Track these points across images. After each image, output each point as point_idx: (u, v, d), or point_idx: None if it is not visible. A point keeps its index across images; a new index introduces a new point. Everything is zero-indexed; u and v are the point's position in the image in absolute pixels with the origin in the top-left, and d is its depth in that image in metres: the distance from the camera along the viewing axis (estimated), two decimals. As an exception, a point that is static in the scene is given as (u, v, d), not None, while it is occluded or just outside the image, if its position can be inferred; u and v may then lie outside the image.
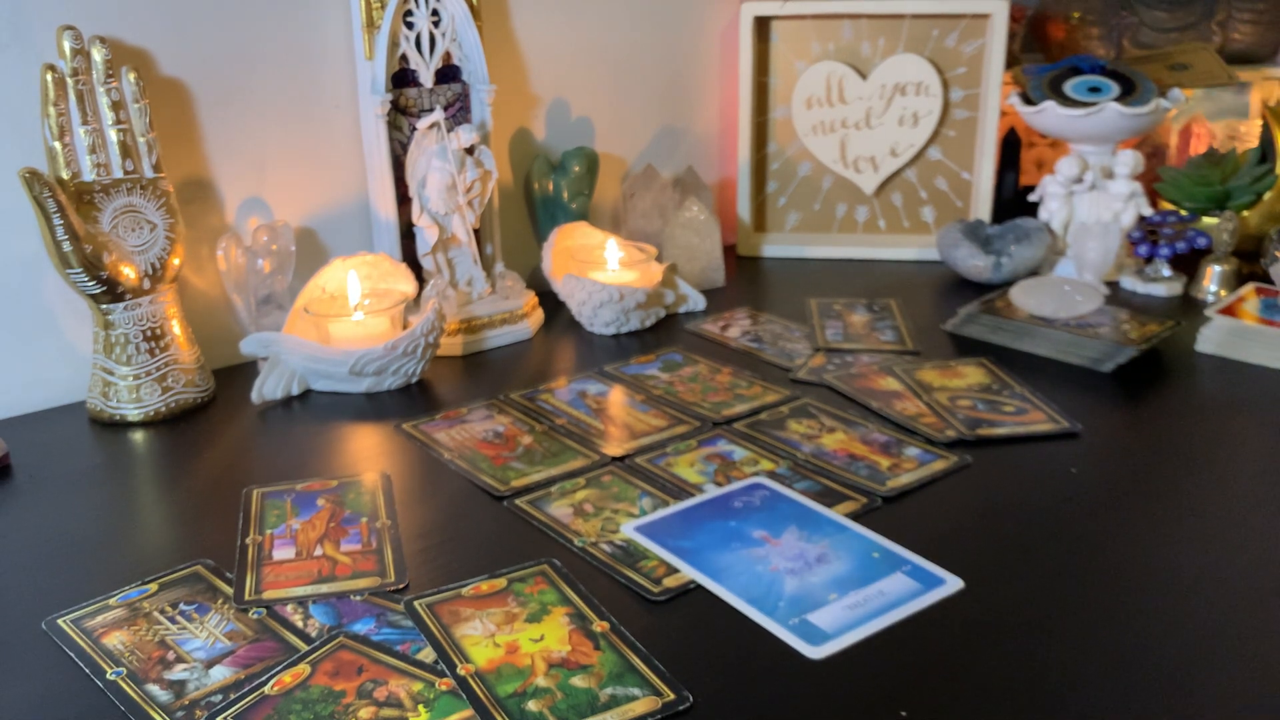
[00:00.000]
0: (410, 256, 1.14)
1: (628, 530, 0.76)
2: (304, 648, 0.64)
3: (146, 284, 0.96)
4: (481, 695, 0.59)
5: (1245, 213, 1.30)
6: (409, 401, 1.00)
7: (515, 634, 0.64)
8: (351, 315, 1.04)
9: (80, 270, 0.90)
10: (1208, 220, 1.28)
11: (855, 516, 0.78)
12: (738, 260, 1.44)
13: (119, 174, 0.95)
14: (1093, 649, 0.63)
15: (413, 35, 1.10)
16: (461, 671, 0.61)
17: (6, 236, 0.96)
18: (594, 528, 0.77)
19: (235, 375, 1.06)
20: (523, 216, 1.32)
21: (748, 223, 1.46)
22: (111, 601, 0.69)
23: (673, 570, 0.71)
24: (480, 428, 0.94)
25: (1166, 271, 1.26)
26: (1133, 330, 1.08)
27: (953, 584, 0.69)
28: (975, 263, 1.29)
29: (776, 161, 1.46)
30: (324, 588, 0.70)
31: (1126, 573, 0.71)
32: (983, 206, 1.41)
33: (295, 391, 1.02)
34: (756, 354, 1.10)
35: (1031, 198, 1.36)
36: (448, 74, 1.15)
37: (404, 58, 1.11)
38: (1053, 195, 1.32)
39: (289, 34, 1.08)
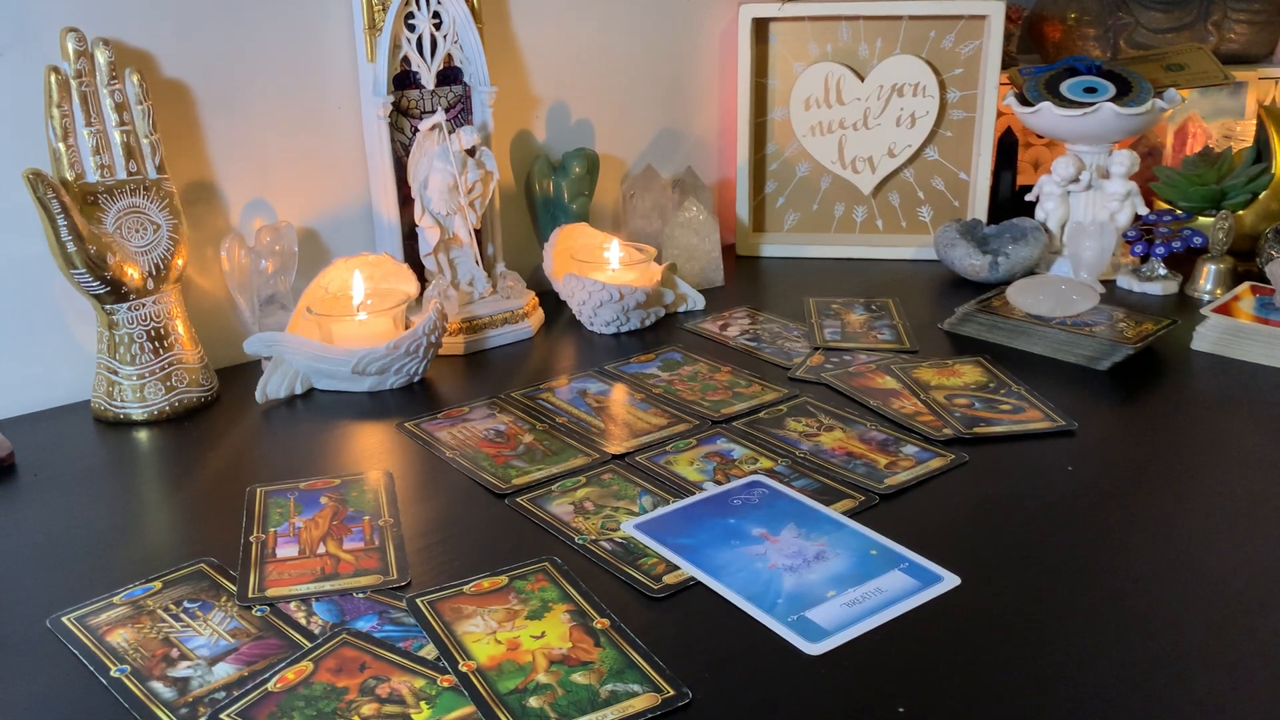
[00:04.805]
0: (412, 257, 1.14)
1: (628, 528, 0.77)
2: (307, 645, 0.64)
3: (150, 284, 0.96)
4: (483, 692, 0.60)
5: (1240, 212, 1.31)
6: (411, 400, 1.01)
7: (516, 631, 0.65)
8: (354, 315, 1.04)
9: (84, 271, 0.91)
10: (1203, 219, 1.29)
11: (853, 514, 0.78)
12: (737, 260, 1.45)
13: (123, 175, 0.95)
14: (1089, 645, 0.63)
15: (414, 37, 1.11)
16: (463, 668, 0.62)
17: (11, 237, 0.97)
18: (594, 525, 0.78)
19: (239, 375, 1.06)
20: (524, 217, 1.32)
21: (746, 223, 1.46)
22: (115, 599, 0.69)
23: (672, 567, 0.72)
24: (482, 426, 0.94)
25: (1162, 270, 1.27)
26: (1128, 329, 1.09)
27: (950, 581, 0.70)
28: (972, 262, 1.29)
29: (775, 162, 1.46)
30: (327, 585, 0.71)
31: (1123, 570, 0.72)
32: (980, 206, 1.42)
33: (298, 391, 1.02)
34: (755, 353, 1.10)
35: (1028, 197, 1.36)
36: (449, 76, 1.15)
37: (405, 60, 1.11)
38: (1049, 195, 1.33)
39: (291, 36, 1.08)
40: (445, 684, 0.61)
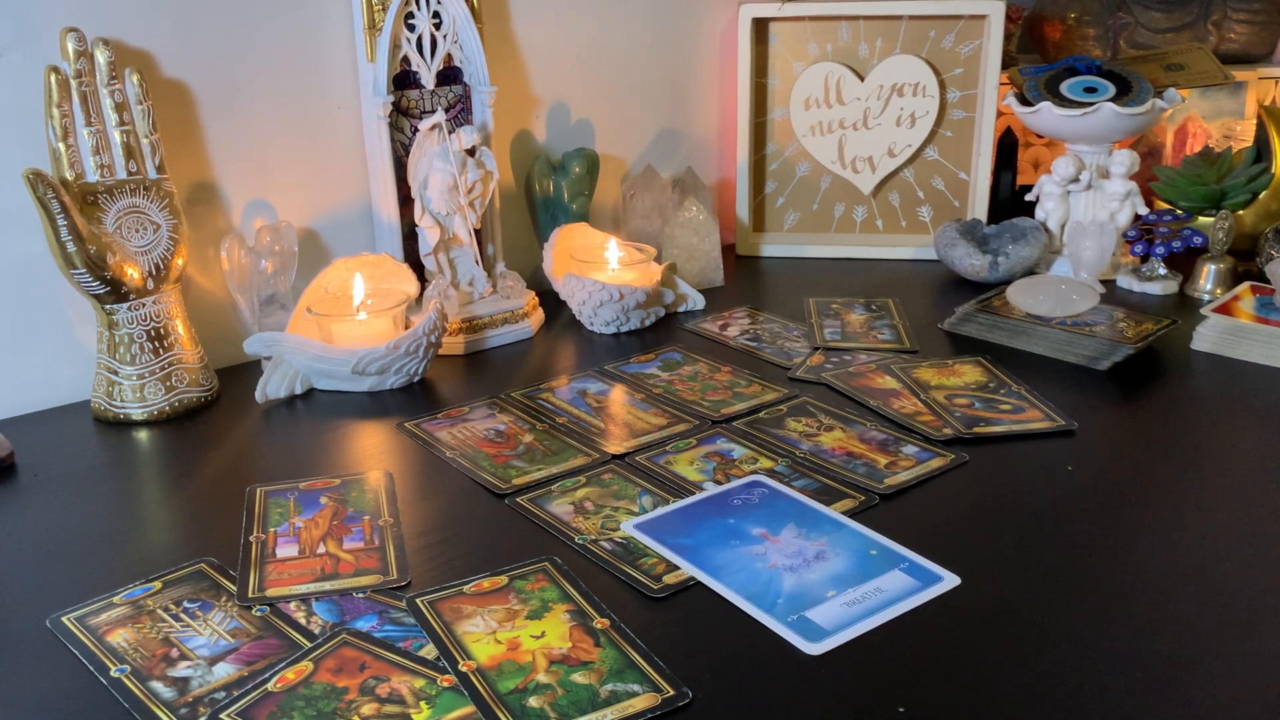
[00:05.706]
0: (412, 257, 1.14)
1: (628, 528, 0.77)
2: (307, 645, 0.64)
3: (150, 284, 0.96)
4: (483, 691, 0.60)
5: (1240, 211, 1.31)
6: (411, 400, 1.01)
7: (516, 631, 0.65)
8: (354, 315, 1.04)
9: (84, 271, 0.91)
10: (1203, 219, 1.29)
11: (853, 514, 0.78)
12: (736, 260, 1.45)
13: (122, 175, 0.95)
14: (1089, 645, 0.64)
15: (414, 37, 1.11)
16: (463, 668, 0.62)
17: (12, 237, 0.97)
18: (594, 525, 0.78)
19: (239, 375, 1.06)
20: (524, 217, 1.32)
21: (746, 223, 1.46)
22: (115, 599, 0.69)
23: (672, 567, 0.72)
24: (482, 426, 0.94)
25: (1162, 270, 1.27)
26: (1128, 329, 1.09)
27: (950, 581, 0.70)
28: (972, 262, 1.29)
29: (775, 162, 1.46)
30: (327, 585, 0.71)
31: (1122, 569, 0.72)
32: (980, 206, 1.42)
33: (298, 391, 1.02)
34: (755, 353, 1.10)
35: (1028, 197, 1.36)
36: (449, 76, 1.15)
37: (405, 60, 1.11)
38: (1049, 195, 1.33)
39: (291, 36, 1.08)
40: (445, 684, 0.61)
